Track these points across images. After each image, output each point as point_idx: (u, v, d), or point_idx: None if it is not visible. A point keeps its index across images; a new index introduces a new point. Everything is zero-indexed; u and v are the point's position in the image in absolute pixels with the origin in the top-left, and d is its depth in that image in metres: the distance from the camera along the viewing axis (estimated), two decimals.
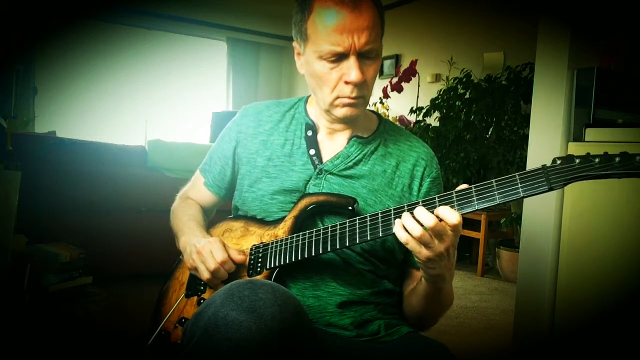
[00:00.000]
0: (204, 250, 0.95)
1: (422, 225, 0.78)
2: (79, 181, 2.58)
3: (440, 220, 0.77)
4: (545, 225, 2.00)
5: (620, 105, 1.98)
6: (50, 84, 5.39)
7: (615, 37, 2.04)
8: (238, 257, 0.96)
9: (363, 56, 0.92)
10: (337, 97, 0.95)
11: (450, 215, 0.77)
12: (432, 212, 0.78)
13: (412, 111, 4.08)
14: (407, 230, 0.79)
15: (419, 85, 4.31)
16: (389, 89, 3.96)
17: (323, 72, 0.94)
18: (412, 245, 0.79)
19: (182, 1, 5.87)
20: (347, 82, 0.93)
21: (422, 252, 0.80)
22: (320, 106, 1.01)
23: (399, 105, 4.52)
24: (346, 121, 1.02)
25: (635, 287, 1.70)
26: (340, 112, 0.97)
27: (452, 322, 2.48)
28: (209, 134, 5.21)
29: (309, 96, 1.11)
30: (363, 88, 0.95)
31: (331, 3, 0.90)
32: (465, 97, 3.79)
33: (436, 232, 0.77)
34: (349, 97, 0.95)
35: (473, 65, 4.07)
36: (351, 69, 0.91)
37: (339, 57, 0.92)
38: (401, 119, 4.34)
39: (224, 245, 0.96)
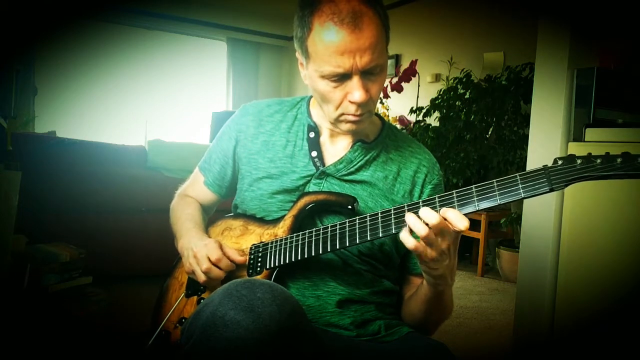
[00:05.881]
0: (199, 253, 0.95)
1: (426, 224, 0.77)
2: (79, 181, 2.58)
3: (444, 219, 0.77)
4: (545, 225, 2.00)
5: (620, 105, 1.97)
6: (50, 84, 5.40)
7: (615, 37, 2.04)
8: (239, 258, 0.96)
9: (367, 73, 0.89)
10: (342, 114, 0.94)
11: (459, 220, 0.76)
12: (436, 211, 0.78)
13: (412, 111, 4.08)
14: (413, 235, 0.79)
15: (419, 85, 4.31)
16: (389, 89, 3.96)
17: (326, 90, 0.92)
18: (421, 249, 0.79)
19: (182, 1, 5.87)
20: (351, 102, 0.91)
21: (428, 253, 0.79)
22: (325, 117, 1.00)
23: (399, 105, 4.52)
24: (351, 133, 1.02)
25: (635, 287, 1.70)
26: (345, 127, 0.96)
27: (452, 322, 2.47)
28: (209, 134, 5.21)
29: (312, 96, 1.10)
30: (368, 104, 0.93)
31: (330, 22, 0.85)
32: (465, 97, 3.79)
33: (439, 230, 0.77)
34: (354, 115, 0.93)
35: (473, 65, 4.07)
36: (355, 90, 0.89)
37: (342, 77, 0.89)
38: (401, 119, 4.34)
39: (220, 246, 0.96)
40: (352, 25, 0.85)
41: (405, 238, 0.79)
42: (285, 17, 6.34)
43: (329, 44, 0.86)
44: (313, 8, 0.88)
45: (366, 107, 0.93)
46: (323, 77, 0.90)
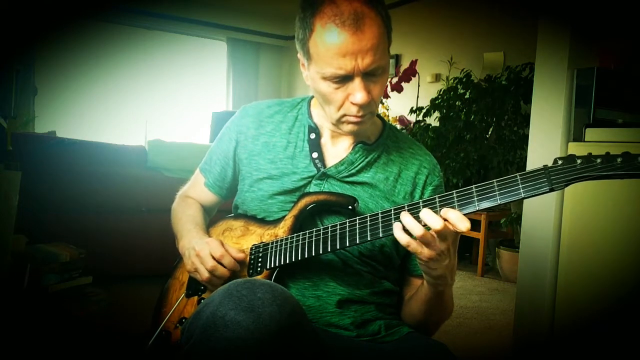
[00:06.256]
0: (202, 252, 0.95)
1: (425, 226, 0.77)
2: (78, 181, 2.58)
3: (445, 220, 0.77)
4: (545, 225, 2.00)
5: (620, 105, 1.97)
6: (50, 84, 5.40)
7: (615, 37, 2.04)
8: (238, 255, 0.96)
9: (369, 74, 0.89)
10: (344, 115, 0.94)
11: (460, 222, 0.76)
12: (437, 213, 0.77)
13: (412, 111, 4.08)
14: (407, 232, 0.79)
15: (419, 85, 4.31)
16: (389, 89, 3.96)
17: (328, 92, 0.91)
18: (414, 246, 0.79)
19: (182, 1, 5.87)
20: (353, 103, 0.91)
21: (424, 253, 0.79)
22: (327, 118, 1.00)
23: (399, 105, 4.52)
24: (353, 134, 1.01)
25: (636, 287, 1.70)
26: (347, 128, 0.96)
27: (452, 322, 2.47)
28: (209, 134, 5.21)
29: (313, 97, 1.09)
30: (370, 105, 0.92)
31: (332, 24, 0.85)
32: (465, 97, 3.79)
33: (440, 234, 0.77)
34: (356, 116, 0.93)
35: (473, 65, 4.07)
36: (356, 91, 0.89)
37: (344, 79, 0.89)
38: (401, 119, 4.34)
39: (222, 244, 0.96)
40: (353, 26, 0.84)
41: (399, 235, 0.79)
42: (285, 17, 6.34)
43: (331, 45, 0.86)
44: (314, 9, 0.88)
45: (368, 108, 0.93)
46: (325, 78, 0.90)
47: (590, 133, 1.89)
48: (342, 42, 0.85)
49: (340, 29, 0.85)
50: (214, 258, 0.94)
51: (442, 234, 0.77)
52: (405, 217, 0.79)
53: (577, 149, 1.92)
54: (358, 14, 0.85)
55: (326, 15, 0.86)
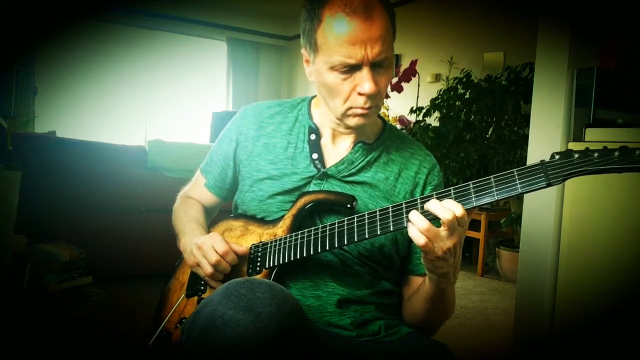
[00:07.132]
0: (204, 245, 0.95)
1: (436, 218, 0.77)
2: (79, 181, 2.58)
3: None
4: (545, 225, 2.00)
5: (620, 105, 1.97)
6: (50, 84, 5.40)
7: (615, 37, 2.04)
8: (240, 249, 0.96)
9: (376, 65, 0.89)
10: (350, 108, 0.93)
11: (454, 207, 0.76)
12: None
13: (412, 111, 4.08)
14: (423, 233, 0.78)
15: (419, 85, 4.31)
16: (389, 89, 3.96)
17: (335, 83, 0.91)
18: (430, 247, 0.78)
19: (182, 1, 5.87)
20: (360, 94, 0.91)
21: (435, 251, 0.79)
22: (331, 114, 0.99)
23: (399, 105, 4.52)
24: (357, 129, 1.01)
25: (636, 287, 1.70)
26: (353, 121, 0.96)
27: (452, 322, 2.47)
28: (209, 134, 5.21)
29: (313, 98, 1.09)
30: (376, 98, 0.92)
31: (342, 13, 0.86)
32: (465, 97, 3.79)
33: (450, 226, 0.77)
34: (362, 108, 0.93)
35: (473, 65, 4.07)
36: (364, 81, 0.89)
37: (352, 69, 0.89)
38: (401, 119, 4.34)
39: (224, 239, 0.96)
40: (363, 15, 0.86)
41: (416, 235, 0.78)
42: (285, 17, 6.34)
43: (340, 35, 0.87)
44: (323, 1, 0.89)
45: (374, 101, 0.93)
46: (332, 68, 0.90)
47: (590, 133, 1.89)
48: (352, 30, 0.86)
49: (350, 18, 0.86)
50: (217, 252, 0.94)
51: (452, 226, 0.77)
52: (419, 220, 0.78)
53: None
54: (367, 4, 0.87)
55: (336, 5, 0.88)
